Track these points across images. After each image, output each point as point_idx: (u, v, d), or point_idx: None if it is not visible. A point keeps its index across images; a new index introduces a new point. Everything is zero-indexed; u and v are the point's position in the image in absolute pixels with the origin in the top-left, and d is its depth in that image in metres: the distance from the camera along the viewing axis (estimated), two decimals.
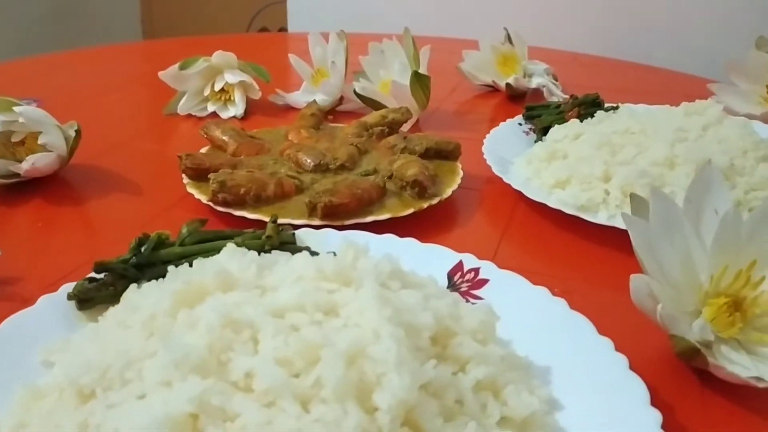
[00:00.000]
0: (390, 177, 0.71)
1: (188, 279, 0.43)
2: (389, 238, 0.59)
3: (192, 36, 1.72)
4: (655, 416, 0.40)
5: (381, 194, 0.68)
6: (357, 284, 0.43)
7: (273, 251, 0.52)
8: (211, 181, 0.65)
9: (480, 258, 0.57)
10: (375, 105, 0.96)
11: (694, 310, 0.50)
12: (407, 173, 0.69)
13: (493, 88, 1.13)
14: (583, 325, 0.48)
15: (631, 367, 0.44)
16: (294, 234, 0.56)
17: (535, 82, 1.09)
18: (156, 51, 1.52)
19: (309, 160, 0.73)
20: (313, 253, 0.52)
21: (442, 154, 0.77)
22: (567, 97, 0.94)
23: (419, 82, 0.92)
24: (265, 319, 0.39)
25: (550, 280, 0.60)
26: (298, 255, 0.47)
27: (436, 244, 0.58)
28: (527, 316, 0.50)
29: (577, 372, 0.45)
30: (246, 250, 0.48)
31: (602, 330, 0.48)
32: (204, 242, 0.52)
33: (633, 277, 0.47)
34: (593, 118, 0.81)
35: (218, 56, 0.98)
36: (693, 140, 0.72)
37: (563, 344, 0.48)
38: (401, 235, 0.63)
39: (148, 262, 0.50)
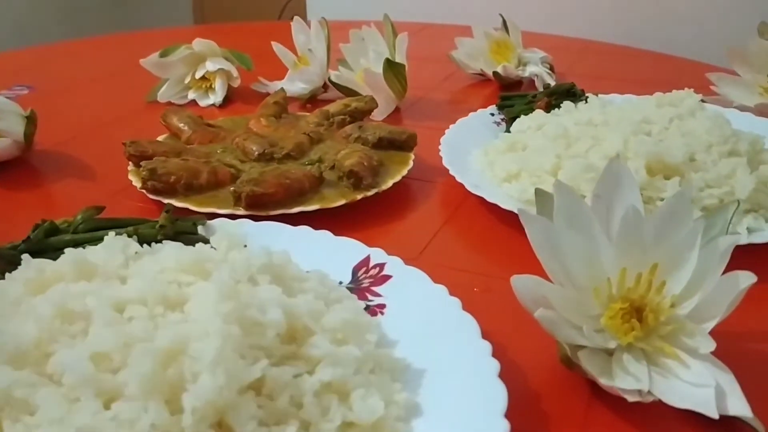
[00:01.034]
0: (333, 167, 0.69)
1: (43, 267, 0.43)
2: (301, 230, 0.57)
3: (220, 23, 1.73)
4: (504, 428, 0.37)
5: (316, 184, 0.66)
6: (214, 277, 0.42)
7: (166, 241, 0.51)
8: (141, 169, 0.64)
9: (407, 253, 0.55)
10: (351, 93, 0.94)
11: (598, 314, 0.46)
12: (345, 163, 0.67)
13: (488, 78, 1.10)
14: (469, 327, 0.46)
15: (501, 375, 0.41)
16: (195, 224, 0.55)
17: (528, 71, 1.05)
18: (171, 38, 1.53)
19: (254, 149, 0.72)
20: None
21: (395, 144, 0.75)
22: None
23: (392, 70, 0.89)
24: (103, 311, 0.39)
25: (474, 278, 0.58)
26: (168, 245, 0.46)
27: (349, 238, 0.56)
28: (418, 315, 0.48)
29: (447, 376, 0.43)
30: (127, 239, 0.48)
31: (506, 332, 0.46)
32: (98, 230, 0.52)
33: (514, 278, 0.44)
34: (560, 109, 0.77)
35: (199, 44, 0.98)
36: (655, 133, 0.68)
37: (443, 347, 0.45)
38: (334, 227, 0.61)
39: (39, 249, 0.50)
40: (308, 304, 0.42)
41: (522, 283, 0.44)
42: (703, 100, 0.74)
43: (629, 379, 0.43)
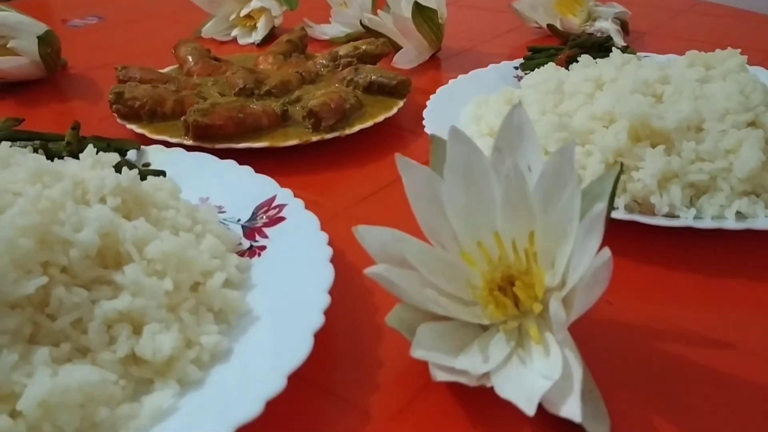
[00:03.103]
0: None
1: None
2: (225, 163, 0.55)
3: None
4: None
5: (276, 122, 0.63)
6: None
7: (68, 158, 0.51)
8: (109, 92, 0.64)
9: (344, 202, 0.54)
10: (389, 41, 0.89)
11: (474, 285, 0.40)
12: (309, 103, 0.63)
13: (553, 33, 1.00)
14: (325, 277, 0.41)
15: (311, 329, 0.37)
16: (109, 144, 0.55)
17: (594, 27, 0.94)
18: None
19: (238, 83, 0.70)
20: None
21: (385, 90, 0.70)
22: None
23: (421, 14, 0.83)
24: None
25: None
26: (35, 157, 0.45)
27: (268, 177, 0.53)
28: (287, 262, 0.44)
29: (269, 323, 0.39)
30: (34, 154, 0.48)
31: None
32: (14, 140, 0.52)
33: (360, 228, 0.39)
34: (578, 63, 0.68)
35: None
36: (667, 95, 0.58)
37: (293, 297, 0.41)
38: (284, 167, 0.59)
39: None
40: (136, 230, 0.39)
41: (372, 235, 0.39)
42: None
43: (476, 360, 0.37)
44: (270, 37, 0.98)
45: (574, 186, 0.36)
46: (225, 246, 0.44)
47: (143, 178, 0.47)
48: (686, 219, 0.49)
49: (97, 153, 0.46)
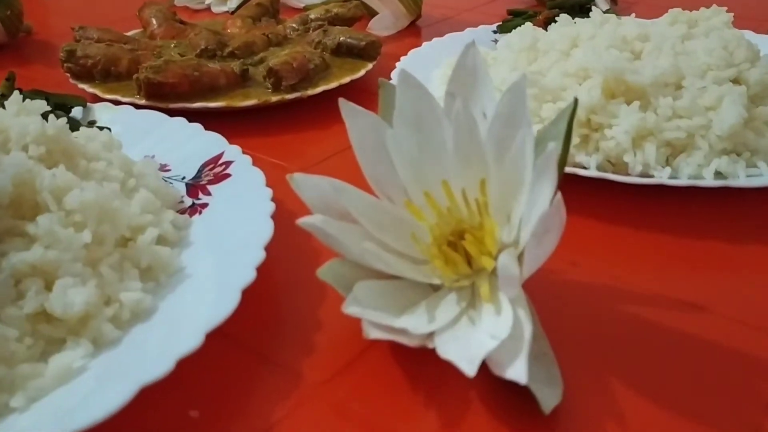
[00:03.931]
0: None
1: None
2: (174, 121, 0.51)
3: None
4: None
5: (234, 82, 0.60)
6: None
7: None
8: (61, 50, 0.61)
9: (301, 163, 0.52)
10: (366, 6, 0.86)
11: (424, 241, 0.37)
12: (271, 62, 0.60)
13: (538, 1, 0.96)
14: (263, 233, 0.38)
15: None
16: (48, 99, 0.51)
17: None
18: None
19: (201, 45, 0.66)
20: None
21: (354, 52, 0.66)
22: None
23: None
24: None
25: None
26: None
27: (216, 134, 0.50)
28: (228, 218, 0.41)
29: (200, 281, 0.36)
30: None
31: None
32: None
33: (296, 175, 0.36)
34: (556, 23, 0.64)
35: None
36: (646, 53, 0.54)
37: (228, 253, 0.38)
38: (241, 128, 0.56)
39: None
40: (54, 178, 0.36)
41: (310, 184, 0.36)
42: None
43: (421, 319, 0.34)
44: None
45: (527, 128, 0.33)
46: (161, 202, 0.41)
47: None
48: (660, 177, 0.46)
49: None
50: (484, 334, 0.32)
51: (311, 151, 0.55)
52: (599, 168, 0.48)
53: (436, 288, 0.37)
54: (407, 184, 0.37)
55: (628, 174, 0.48)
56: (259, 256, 0.36)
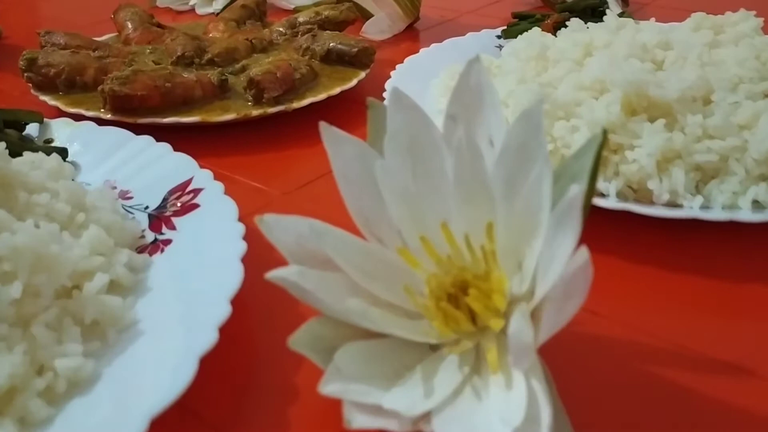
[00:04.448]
0: None
1: None
2: (140, 140, 0.46)
3: None
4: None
5: (212, 93, 0.54)
6: None
7: None
8: (20, 58, 0.55)
9: (282, 187, 0.46)
10: (360, 9, 0.80)
11: (419, 291, 0.31)
12: (252, 71, 0.54)
13: (545, 4, 0.90)
14: (231, 281, 0.32)
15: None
16: (23, 122, 0.46)
17: None
18: None
19: (178, 50, 0.60)
20: None
21: (345, 59, 0.60)
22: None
23: None
24: None
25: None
26: None
27: (185, 155, 0.44)
28: (192, 260, 0.36)
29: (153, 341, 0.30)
30: None
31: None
32: None
33: (266, 217, 0.30)
34: (566, 28, 0.59)
35: None
36: (669, 63, 0.49)
37: (188, 306, 0.32)
38: (217, 144, 0.51)
39: None
40: None
41: (283, 227, 0.30)
42: None
43: (415, 393, 0.28)
44: None
45: (543, 163, 0.27)
46: (114, 240, 0.36)
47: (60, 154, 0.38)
48: (691, 209, 0.40)
49: None
50: (493, 417, 0.26)
51: (295, 172, 0.50)
52: (619, 195, 0.42)
53: (434, 347, 0.31)
54: (400, 224, 0.31)
55: (652, 202, 0.42)
56: (223, 313, 0.30)
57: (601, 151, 0.27)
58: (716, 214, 0.39)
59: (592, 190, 0.27)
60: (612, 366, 0.33)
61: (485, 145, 0.31)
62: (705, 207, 0.41)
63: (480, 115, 0.31)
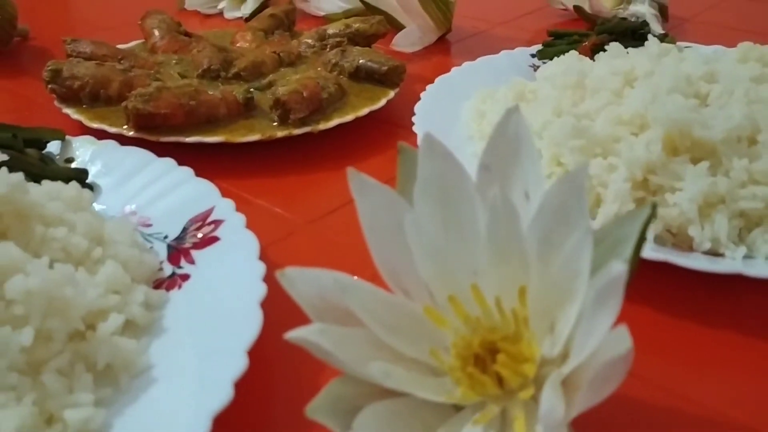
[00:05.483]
0: None
1: None
2: (163, 162, 0.45)
3: None
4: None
5: (236, 111, 0.53)
6: None
7: None
8: (45, 69, 0.54)
9: (305, 215, 0.45)
10: (390, 19, 0.78)
11: (444, 347, 0.30)
12: (278, 90, 0.53)
13: (581, 17, 0.88)
14: (253, 326, 0.31)
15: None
16: (16, 135, 0.45)
17: (629, 11, 0.82)
18: None
19: (203, 63, 0.59)
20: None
21: (374, 77, 0.59)
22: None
23: None
24: None
25: (361, 264, 0.43)
26: None
27: (207, 181, 0.43)
28: (209, 300, 0.34)
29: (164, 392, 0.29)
30: None
31: None
32: None
33: (287, 271, 0.29)
34: (605, 52, 0.56)
35: None
36: (714, 97, 0.46)
37: (204, 354, 0.31)
38: (239, 166, 0.51)
39: None
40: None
41: (306, 280, 0.29)
42: None
43: None
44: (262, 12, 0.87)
45: (585, 231, 0.25)
46: (131, 275, 0.34)
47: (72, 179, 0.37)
48: (733, 261, 0.38)
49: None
50: None
51: (320, 197, 0.48)
52: (657, 240, 0.41)
53: (457, 407, 0.29)
54: (429, 279, 0.30)
55: (692, 248, 0.40)
56: (240, 367, 0.29)
57: (649, 223, 0.25)
58: (760, 270, 0.37)
59: (635, 264, 0.26)
60: None
61: (520, 199, 0.29)
62: (748, 257, 0.39)
63: (516, 167, 0.30)
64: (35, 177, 0.39)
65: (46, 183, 0.37)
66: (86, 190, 0.38)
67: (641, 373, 0.34)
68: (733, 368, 0.35)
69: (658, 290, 0.39)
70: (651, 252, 0.38)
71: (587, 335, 0.25)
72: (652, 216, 0.25)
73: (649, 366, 0.34)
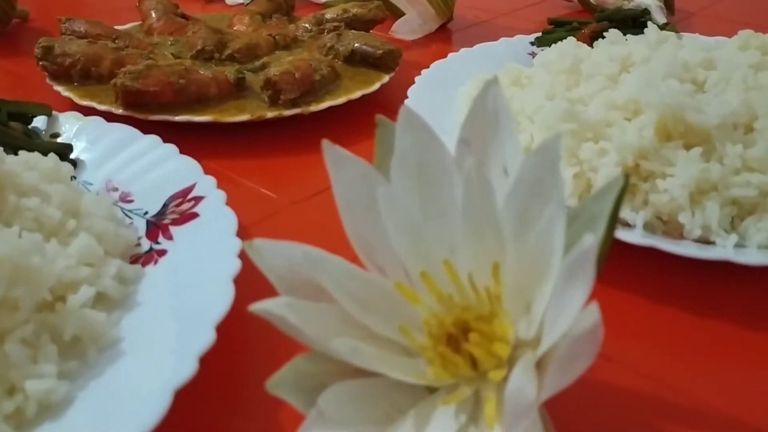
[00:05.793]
0: None
1: None
2: (148, 139, 0.44)
3: None
4: None
5: (226, 91, 0.52)
6: None
7: None
8: (36, 46, 0.54)
9: (290, 196, 0.45)
10: (390, 6, 0.77)
11: (417, 327, 0.29)
12: (270, 71, 0.52)
13: (585, 8, 0.87)
14: (224, 300, 0.30)
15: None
16: (30, 114, 0.45)
17: (633, 2, 0.80)
18: None
19: (198, 44, 0.59)
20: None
21: (369, 61, 0.58)
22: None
23: None
24: None
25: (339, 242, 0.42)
26: None
27: (190, 158, 0.42)
28: (183, 275, 0.34)
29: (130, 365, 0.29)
30: None
31: None
32: None
33: (256, 242, 0.28)
34: (603, 39, 0.55)
35: None
36: (711, 84, 0.45)
37: (173, 328, 0.30)
38: (227, 146, 0.50)
39: None
40: None
41: (275, 253, 0.28)
42: None
43: None
44: None
45: (557, 204, 0.24)
46: (105, 249, 0.34)
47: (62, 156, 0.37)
48: (724, 248, 0.37)
49: None
50: None
51: (306, 180, 0.48)
52: (647, 226, 0.40)
53: (430, 388, 0.29)
54: (404, 255, 0.29)
55: (682, 236, 0.39)
56: (207, 340, 0.28)
57: (623, 197, 0.24)
58: (751, 257, 0.36)
59: (609, 238, 0.25)
60: (624, 421, 0.30)
61: (499, 174, 0.29)
62: (740, 245, 0.38)
63: (495, 141, 0.29)
64: (18, 150, 0.39)
65: (23, 154, 0.36)
66: (65, 163, 0.38)
67: (619, 357, 0.33)
68: (718, 356, 0.34)
69: (646, 277, 0.38)
70: (640, 238, 0.37)
71: (559, 313, 0.24)
72: (626, 186, 0.25)
73: (627, 350, 0.33)
